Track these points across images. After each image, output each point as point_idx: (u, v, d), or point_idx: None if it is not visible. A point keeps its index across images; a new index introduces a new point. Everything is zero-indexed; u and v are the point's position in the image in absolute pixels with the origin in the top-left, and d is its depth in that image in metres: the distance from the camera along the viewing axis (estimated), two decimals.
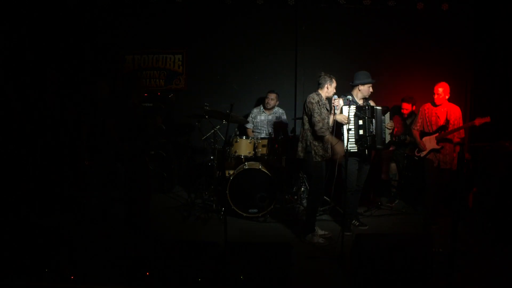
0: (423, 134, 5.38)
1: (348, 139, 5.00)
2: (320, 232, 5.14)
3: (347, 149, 4.80)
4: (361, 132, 5.03)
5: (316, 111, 4.76)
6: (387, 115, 5.16)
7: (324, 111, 4.85)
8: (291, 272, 4.02)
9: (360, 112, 5.02)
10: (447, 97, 5.21)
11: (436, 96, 5.20)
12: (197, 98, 6.78)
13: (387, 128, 5.16)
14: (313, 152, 4.83)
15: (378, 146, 5.08)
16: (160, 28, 7.10)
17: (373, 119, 5.02)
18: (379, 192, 6.57)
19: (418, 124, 5.40)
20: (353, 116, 5.01)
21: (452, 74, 6.71)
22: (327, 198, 6.24)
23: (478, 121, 4.94)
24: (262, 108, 6.69)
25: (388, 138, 5.19)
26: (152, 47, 7.21)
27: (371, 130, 5.01)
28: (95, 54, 7.05)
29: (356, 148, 5.06)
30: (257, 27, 7.11)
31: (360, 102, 5.17)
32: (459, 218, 3.93)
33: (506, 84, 6.38)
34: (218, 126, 6.09)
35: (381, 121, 5.10)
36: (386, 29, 6.85)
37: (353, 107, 5.02)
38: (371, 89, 5.14)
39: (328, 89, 4.93)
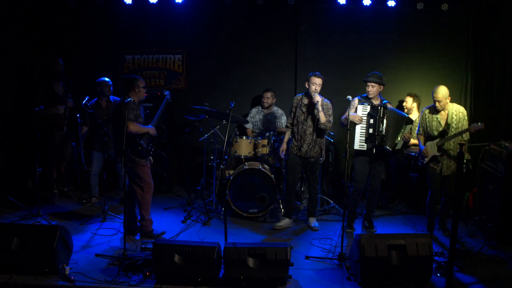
0: (428, 138, 5.17)
1: (359, 137, 5.07)
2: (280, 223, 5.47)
3: (357, 148, 5.06)
4: (370, 130, 5.05)
5: (290, 110, 5.47)
6: (408, 126, 5.06)
7: (299, 110, 5.33)
8: (291, 272, 4.03)
9: (373, 111, 5.05)
10: (448, 100, 5.02)
11: (438, 104, 4.99)
12: (197, 98, 6.78)
13: (403, 137, 5.08)
14: (290, 145, 5.44)
15: (386, 147, 5.04)
16: (160, 28, 7.09)
17: (384, 119, 5.01)
18: (379, 192, 6.55)
19: (420, 129, 5.26)
20: (366, 115, 5.06)
21: (451, 74, 6.70)
22: (329, 199, 6.25)
23: (472, 129, 4.79)
24: (260, 108, 6.69)
25: (399, 145, 5.11)
26: (152, 47, 7.20)
27: (380, 129, 5.01)
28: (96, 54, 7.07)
29: (365, 146, 5.08)
30: (257, 27, 7.10)
31: (376, 102, 5.15)
32: (459, 218, 3.93)
33: (506, 83, 6.37)
34: (218, 126, 6.09)
35: (395, 123, 5.01)
36: (385, 29, 6.83)
37: (368, 107, 5.07)
38: (372, 89, 5.09)
39: (307, 87, 5.28)
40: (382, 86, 5.15)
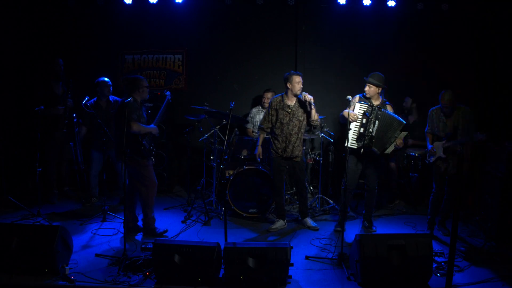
0: (436, 138, 5.20)
1: (351, 136, 5.05)
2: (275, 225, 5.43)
3: (348, 145, 4.99)
4: (361, 130, 5.06)
5: (265, 112, 5.40)
6: (403, 133, 4.99)
7: (282, 112, 5.25)
8: (291, 272, 4.03)
9: (367, 111, 5.04)
10: (455, 103, 5.01)
11: (446, 110, 5.01)
12: (197, 98, 6.78)
13: (395, 143, 5.01)
14: (271, 148, 5.37)
15: (374, 148, 5.03)
16: (160, 28, 7.09)
17: (376, 121, 5.00)
18: (379, 192, 6.55)
19: (429, 128, 5.28)
20: (361, 114, 5.05)
21: (451, 74, 6.70)
22: (328, 199, 6.25)
23: (475, 138, 4.73)
24: (260, 108, 6.69)
25: (389, 150, 5.08)
26: (152, 47, 7.20)
27: (370, 130, 5.01)
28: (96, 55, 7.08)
29: (356, 145, 5.07)
30: (257, 27, 7.10)
31: (376, 102, 5.13)
32: (459, 218, 3.93)
33: (506, 84, 6.38)
34: (218, 126, 6.09)
35: (388, 127, 4.98)
36: (385, 29, 6.83)
37: (365, 106, 5.06)
38: (369, 89, 5.09)
39: (290, 87, 5.23)
40: (380, 88, 5.12)
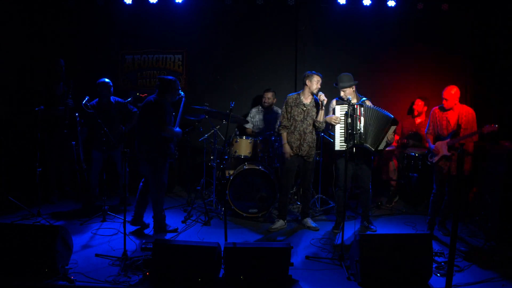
0: (437, 138, 5.21)
1: (339, 138, 5.04)
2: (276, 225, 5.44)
3: (338, 149, 5.05)
4: (349, 130, 4.98)
5: (282, 110, 5.36)
6: (393, 127, 4.98)
7: (297, 110, 5.26)
8: (291, 272, 4.03)
9: (350, 110, 4.96)
10: (456, 100, 5.02)
11: (444, 102, 5.03)
12: (197, 98, 6.77)
13: (387, 138, 4.99)
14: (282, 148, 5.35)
15: (366, 145, 4.99)
16: (160, 28, 7.10)
17: (362, 117, 4.96)
18: (379, 192, 6.57)
19: (430, 129, 5.27)
20: (344, 115, 5.01)
21: (451, 74, 6.70)
22: (329, 200, 6.25)
23: (485, 129, 4.74)
24: (260, 107, 6.69)
25: (382, 146, 5.06)
26: (152, 47, 7.21)
27: (358, 127, 4.95)
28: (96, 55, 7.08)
29: (345, 147, 5.00)
30: (257, 27, 7.10)
31: (354, 101, 5.09)
32: (459, 218, 3.93)
33: (506, 83, 6.37)
34: (218, 126, 6.10)
35: (376, 122, 4.96)
36: (385, 29, 6.83)
37: (346, 107, 5.02)
38: (344, 93, 5.10)
39: (308, 85, 5.24)
40: (354, 86, 5.13)
